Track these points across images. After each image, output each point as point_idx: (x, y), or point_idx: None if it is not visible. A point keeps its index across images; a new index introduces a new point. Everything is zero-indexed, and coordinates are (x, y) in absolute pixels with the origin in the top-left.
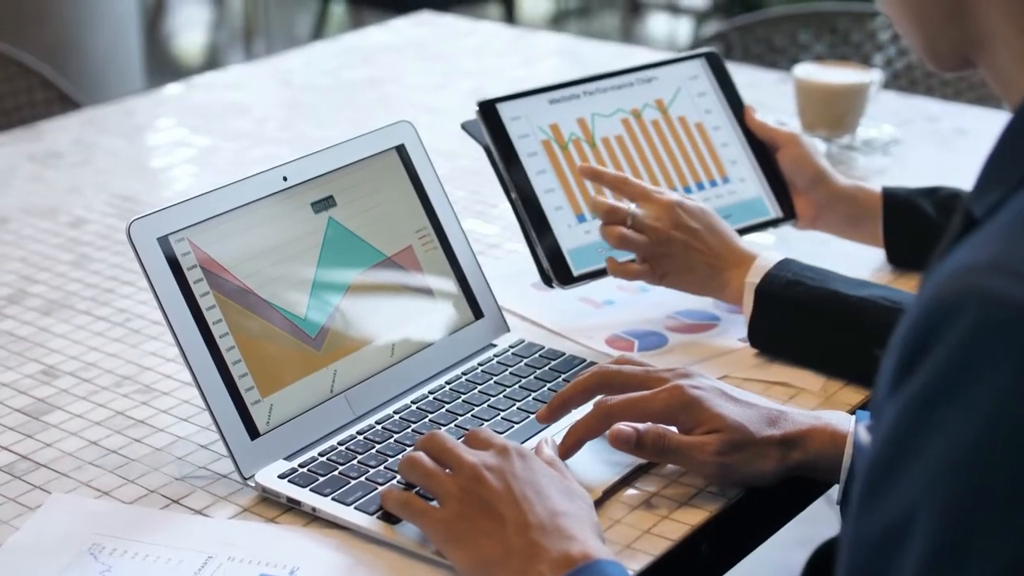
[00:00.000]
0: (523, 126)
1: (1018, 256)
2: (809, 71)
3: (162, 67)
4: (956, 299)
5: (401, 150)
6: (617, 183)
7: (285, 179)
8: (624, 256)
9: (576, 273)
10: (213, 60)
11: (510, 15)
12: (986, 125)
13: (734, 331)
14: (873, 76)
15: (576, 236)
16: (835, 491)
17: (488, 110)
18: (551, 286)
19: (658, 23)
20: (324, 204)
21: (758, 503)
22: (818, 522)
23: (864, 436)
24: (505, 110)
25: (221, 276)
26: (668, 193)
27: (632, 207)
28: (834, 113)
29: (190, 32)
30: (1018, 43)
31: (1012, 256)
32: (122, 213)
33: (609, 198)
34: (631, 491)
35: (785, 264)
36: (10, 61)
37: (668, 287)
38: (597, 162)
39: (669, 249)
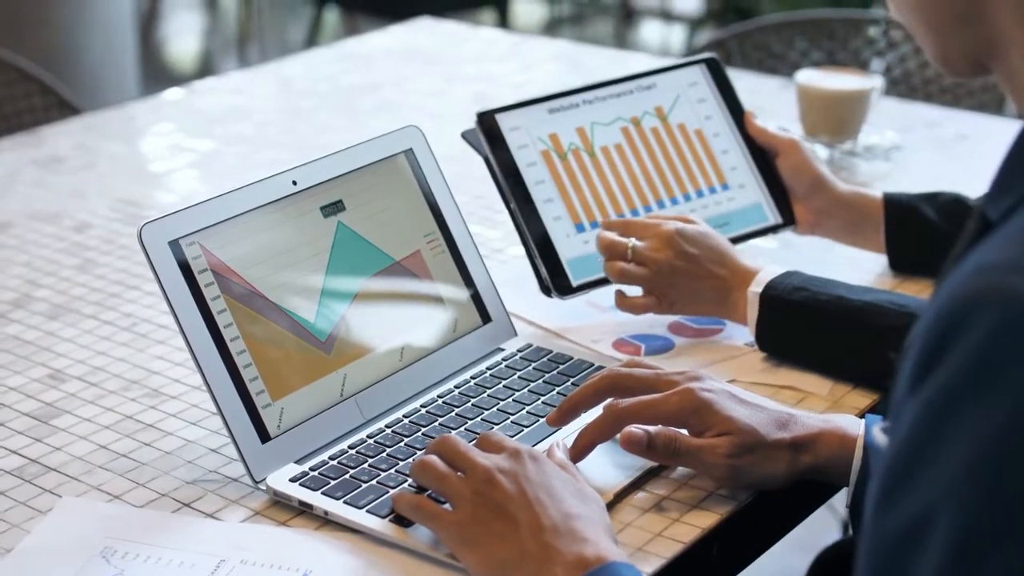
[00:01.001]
0: (522, 136)
1: None
2: (811, 77)
3: (157, 73)
4: (976, 299)
5: (409, 155)
6: (619, 226)
7: (295, 183)
8: (633, 290)
9: (575, 283)
10: (207, 66)
11: (504, 22)
12: (987, 131)
13: (740, 336)
14: (875, 82)
15: (575, 246)
16: (838, 496)
17: (487, 121)
18: (550, 296)
19: (651, 30)
20: (333, 208)
21: (768, 506)
22: (817, 527)
23: (880, 438)
24: (504, 120)
25: (231, 280)
26: (667, 223)
27: (633, 240)
28: (836, 119)
29: (183, 39)
30: None
31: None
32: (126, 218)
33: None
34: (642, 494)
35: (789, 274)
36: (9, 67)
37: (678, 315)
38: (596, 171)
39: (673, 280)
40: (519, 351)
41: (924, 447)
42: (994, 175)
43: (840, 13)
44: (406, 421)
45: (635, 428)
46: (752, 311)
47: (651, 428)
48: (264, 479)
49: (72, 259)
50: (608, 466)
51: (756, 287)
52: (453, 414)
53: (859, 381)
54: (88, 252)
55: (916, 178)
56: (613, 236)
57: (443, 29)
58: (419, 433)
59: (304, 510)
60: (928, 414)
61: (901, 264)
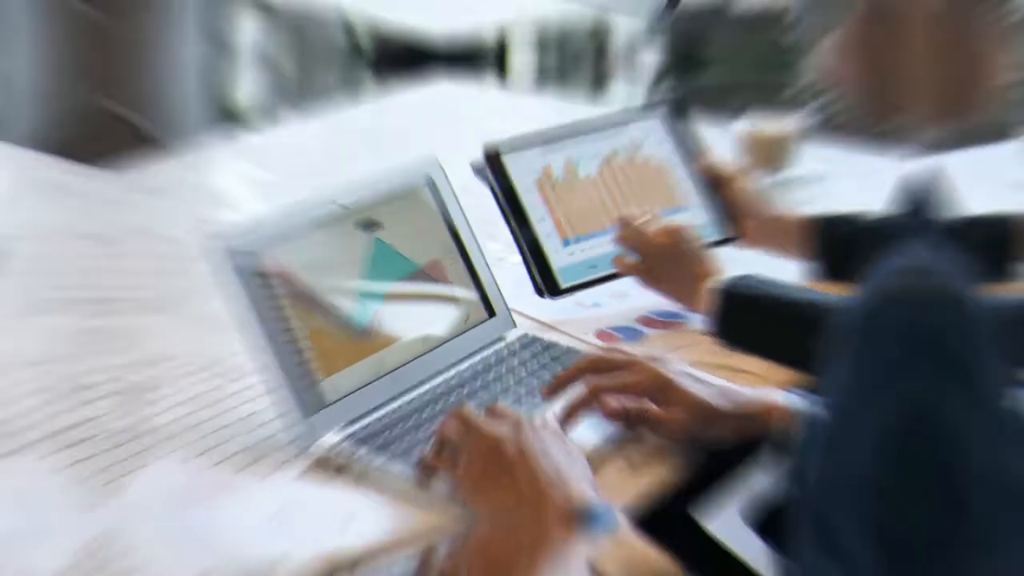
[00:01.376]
0: (521, 168)
1: (944, 262)
2: (750, 123)
3: (225, 119)
4: (892, 298)
5: (431, 184)
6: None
7: (340, 205)
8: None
9: (564, 286)
10: (266, 114)
11: (503, 78)
12: (900, 167)
13: (699, 327)
14: (801, 125)
15: (563, 257)
16: None
17: (492, 155)
18: (543, 296)
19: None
20: (371, 226)
21: (720, 462)
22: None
23: (808, 412)
24: (506, 155)
25: (290, 282)
26: (675, 221)
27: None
28: (770, 155)
29: (246, 88)
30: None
31: (939, 261)
32: (207, 234)
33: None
34: (617, 455)
35: (745, 276)
36: (112, 115)
37: (656, 289)
38: (580, 196)
39: (662, 259)
40: (518, 340)
41: (842, 427)
42: (909, 194)
43: (771, 77)
44: (430, 395)
45: (612, 401)
46: (710, 301)
47: (625, 401)
48: (316, 441)
49: (164, 265)
50: (590, 432)
51: (714, 283)
52: (466, 390)
53: (792, 365)
54: (176, 261)
55: (840, 203)
56: (631, 212)
57: (456, 90)
58: (440, 404)
59: (349, 463)
60: (836, 411)
61: (828, 271)
